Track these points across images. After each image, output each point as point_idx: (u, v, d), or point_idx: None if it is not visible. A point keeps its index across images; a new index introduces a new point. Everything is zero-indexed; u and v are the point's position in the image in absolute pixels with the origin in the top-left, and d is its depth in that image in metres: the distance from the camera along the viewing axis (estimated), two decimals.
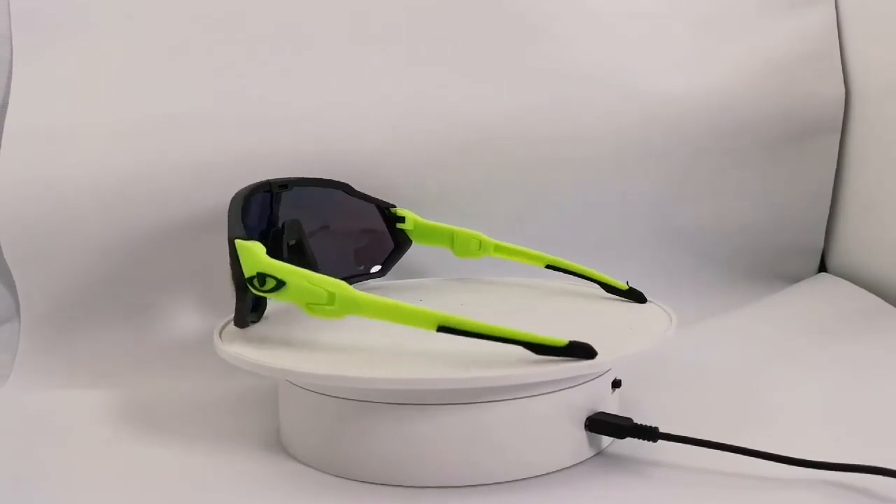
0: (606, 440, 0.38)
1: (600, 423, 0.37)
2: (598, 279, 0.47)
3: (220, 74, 0.56)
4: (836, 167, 0.65)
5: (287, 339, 0.39)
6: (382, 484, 0.35)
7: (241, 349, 0.38)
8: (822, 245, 0.66)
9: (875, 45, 0.62)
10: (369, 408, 0.35)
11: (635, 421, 0.37)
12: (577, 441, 0.37)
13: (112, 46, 0.56)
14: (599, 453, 0.38)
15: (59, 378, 0.50)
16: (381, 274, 0.51)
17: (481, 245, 0.50)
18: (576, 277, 0.48)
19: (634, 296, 0.46)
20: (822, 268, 0.67)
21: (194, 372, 0.49)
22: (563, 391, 0.36)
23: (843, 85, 0.64)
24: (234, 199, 0.41)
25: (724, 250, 0.64)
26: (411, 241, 0.51)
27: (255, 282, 0.36)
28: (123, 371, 0.50)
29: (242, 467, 0.38)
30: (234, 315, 0.40)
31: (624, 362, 0.36)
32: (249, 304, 0.40)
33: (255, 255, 0.37)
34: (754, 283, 0.64)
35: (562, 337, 0.34)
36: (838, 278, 0.64)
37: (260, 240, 0.38)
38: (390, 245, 0.51)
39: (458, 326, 0.34)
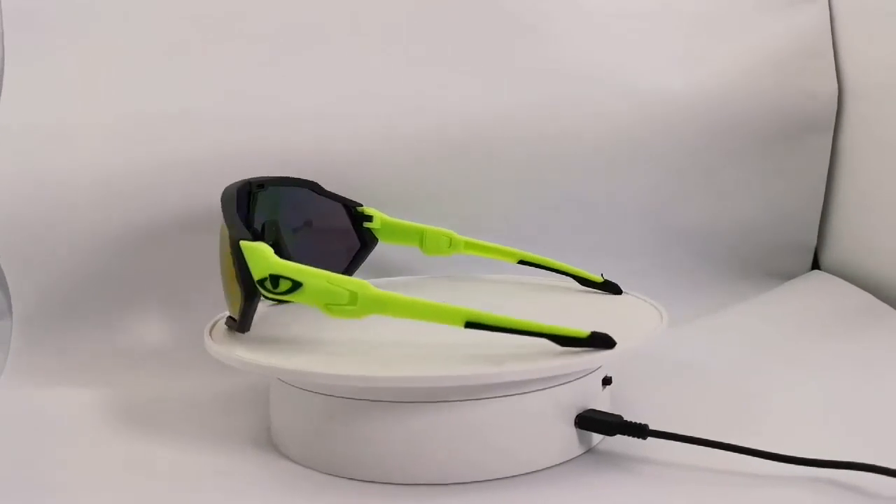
0: (597, 437, 0.38)
1: (590, 421, 0.37)
2: (572, 273, 0.48)
3: (217, 74, 0.56)
4: (829, 165, 0.65)
5: (277, 338, 0.39)
6: (373, 482, 0.35)
7: (231, 348, 0.38)
8: (815, 242, 0.66)
9: (868, 43, 0.62)
10: (360, 405, 0.35)
11: (626, 418, 0.37)
12: (567, 438, 0.37)
13: (106, 45, 0.55)
14: (589, 450, 0.38)
15: (52, 376, 0.49)
16: (346, 274, 0.51)
17: (451, 242, 0.49)
18: (549, 272, 0.48)
19: (610, 287, 0.46)
20: (816, 265, 0.67)
21: (186, 370, 0.49)
22: (553, 388, 0.36)
23: (836, 83, 0.64)
24: (225, 200, 0.40)
25: (718, 247, 0.64)
26: (377, 240, 0.50)
27: (268, 284, 0.36)
28: (115, 369, 0.50)
29: (233, 466, 0.38)
30: (233, 318, 0.39)
31: (614, 358, 0.36)
32: (256, 307, 0.38)
33: (264, 256, 0.36)
34: (747, 281, 0.64)
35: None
36: (831, 276, 0.64)
37: None
38: (356, 244, 0.50)
39: (486, 322, 0.34)
